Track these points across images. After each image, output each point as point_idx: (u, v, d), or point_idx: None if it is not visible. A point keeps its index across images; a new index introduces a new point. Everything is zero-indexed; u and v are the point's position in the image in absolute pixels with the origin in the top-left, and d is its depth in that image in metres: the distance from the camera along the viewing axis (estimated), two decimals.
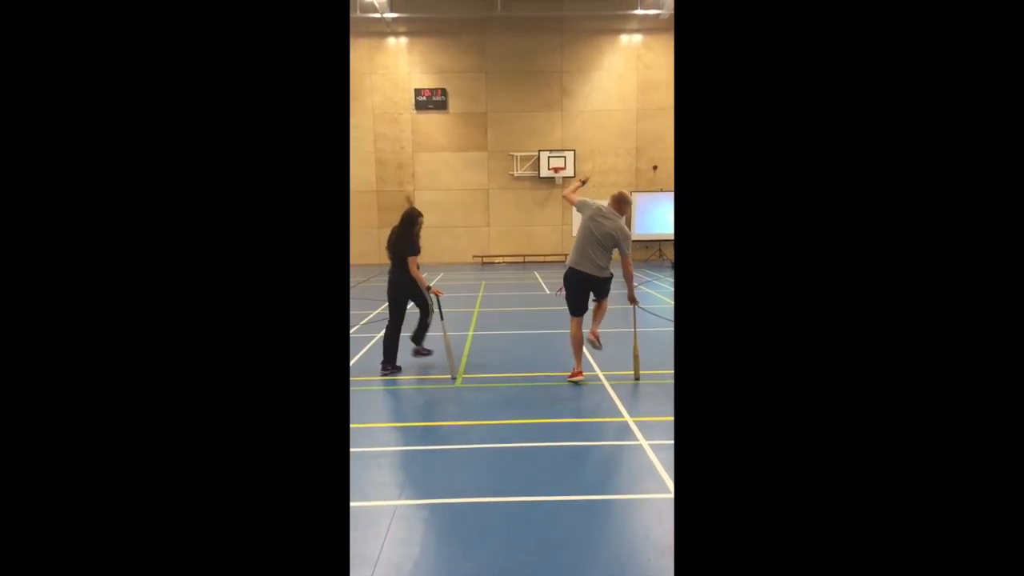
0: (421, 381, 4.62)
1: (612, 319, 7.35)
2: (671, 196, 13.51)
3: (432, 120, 14.92)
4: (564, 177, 14.92)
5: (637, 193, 14.91)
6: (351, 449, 2.91)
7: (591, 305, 4.45)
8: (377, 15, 13.81)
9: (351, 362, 5.00)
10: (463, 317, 7.12)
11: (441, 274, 12.12)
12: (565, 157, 14.92)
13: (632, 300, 4.52)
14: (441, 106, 14.92)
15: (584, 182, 4.81)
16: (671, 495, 2.72)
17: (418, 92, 14.79)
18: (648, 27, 14.86)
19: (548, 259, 15.07)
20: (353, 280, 10.38)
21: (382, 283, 5.70)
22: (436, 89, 14.87)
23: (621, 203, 4.34)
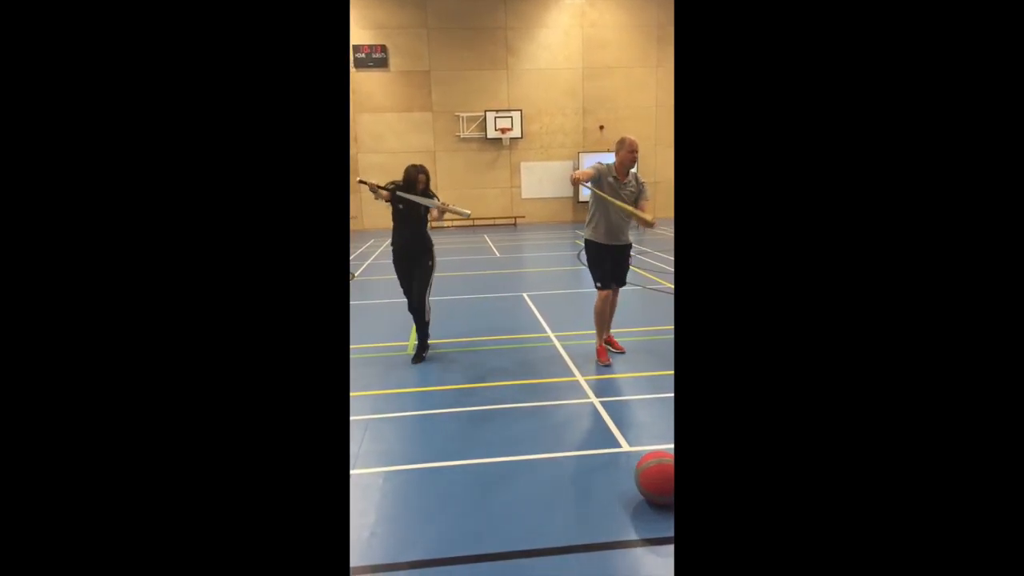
0: (375, 349, 4.57)
1: (558, 281, 7.45)
2: None
3: (373, 78, 14.33)
4: (511, 138, 14.74)
5: (584, 153, 14.92)
6: None
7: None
8: None
9: None
10: None
11: (387, 240, 11.87)
12: (512, 117, 14.69)
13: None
14: (382, 63, 14.32)
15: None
16: (623, 449, 2.83)
17: (356, 48, 14.12)
18: None
19: (498, 222, 14.99)
20: None
21: None
22: (376, 45, 14.24)
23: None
